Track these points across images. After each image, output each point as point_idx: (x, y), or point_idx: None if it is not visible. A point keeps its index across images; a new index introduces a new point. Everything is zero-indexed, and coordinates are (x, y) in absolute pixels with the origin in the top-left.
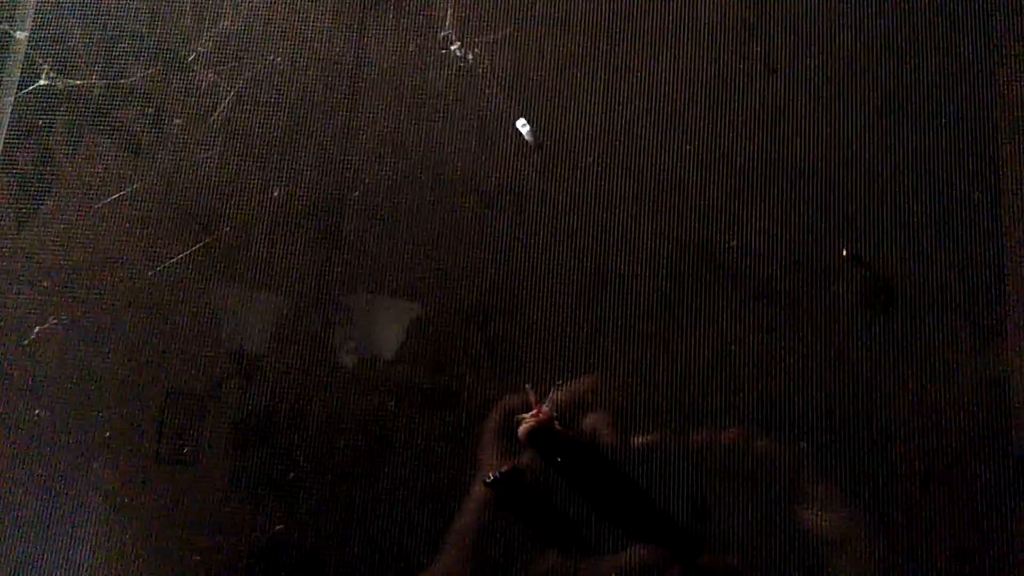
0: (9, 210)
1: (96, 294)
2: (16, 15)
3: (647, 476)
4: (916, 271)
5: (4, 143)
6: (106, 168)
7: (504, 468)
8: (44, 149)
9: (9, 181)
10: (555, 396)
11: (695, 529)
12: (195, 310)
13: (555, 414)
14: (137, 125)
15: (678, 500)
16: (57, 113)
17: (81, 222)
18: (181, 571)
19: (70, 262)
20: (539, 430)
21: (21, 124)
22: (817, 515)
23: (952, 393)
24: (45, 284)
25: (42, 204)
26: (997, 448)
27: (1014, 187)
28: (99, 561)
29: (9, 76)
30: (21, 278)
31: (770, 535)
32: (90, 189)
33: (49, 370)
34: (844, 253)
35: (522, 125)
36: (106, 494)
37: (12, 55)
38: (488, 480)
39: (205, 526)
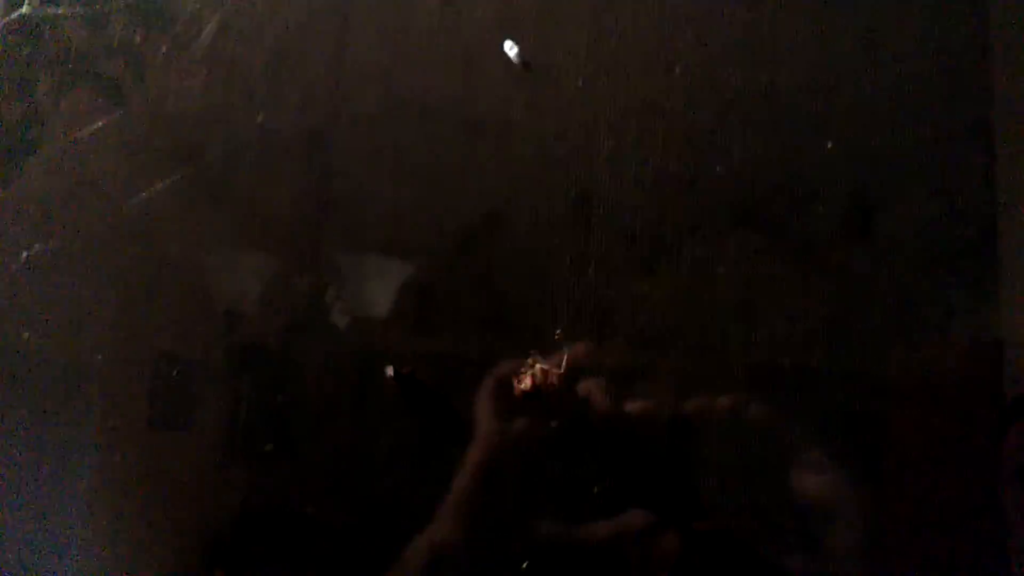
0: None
1: (84, 222)
2: None
3: (641, 441)
4: (904, 213)
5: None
6: (90, 96)
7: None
8: (27, 79)
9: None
10: (564, 358)
11: (689, 493)
12: (184, 269)
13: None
14: (121, 54)
15: (672, 464)
16: (40, 42)
17: (67, 150)
18: (174, 533)
19: (57, 190)
20: (537, 392)
21: (4, 55)
22: (809, 479)
23: (943, 354)
24: (30, 210)
25: (27, 132)
26: (990, 408)
27: (1007, 129)
28: (92, 516)
29: None
30: (7, 205)
31: (764, 500)
32: (75, 117)
33: (36, 296)
34: (829, 145)
35: (509, 47)
36: (98, 459)
37: None
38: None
39: (198, 489)
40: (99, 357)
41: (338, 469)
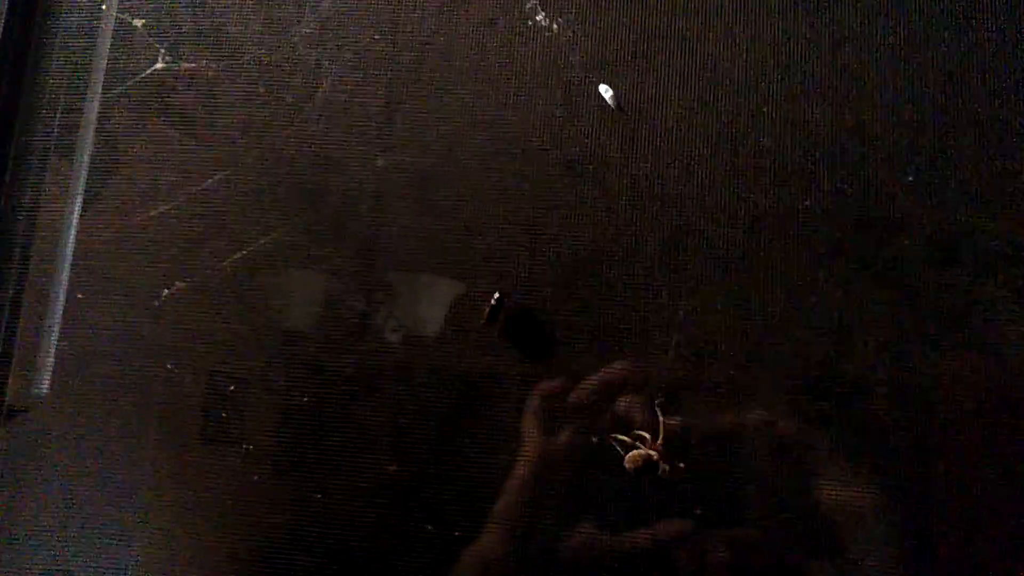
0: (135, 183)
1: (215, 262)
2: (133, 5)
3: (677, 452)
4: (978, 237)
5: (132, 121)
6: (219, 144)
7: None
8: (163, 129)
9: (133, 160)
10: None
11: (722, 505)
12: (242, 291)
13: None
14: (247, 105)
15: (708, 476)
16: (174, 94)
17: (199, 195)
18: (224, 547)
19: (194, 232)
20: (647, 465)
21: (142, 105)
22: (839, 491)
23: (993, 367)
24: (171, 251)
25: (161, 179)
26: None
27: None
28: (149, 536)
29: (124, 60)
30: (149, 247)
31: (794, 510)
32: (205, 164)
33: (177, 330)
34: (911, 179)
35: (604, 90)
36: (153, 471)
37: (131, 42)
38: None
39: (249, 505)
40: (158, 373)
41: (387, 483)
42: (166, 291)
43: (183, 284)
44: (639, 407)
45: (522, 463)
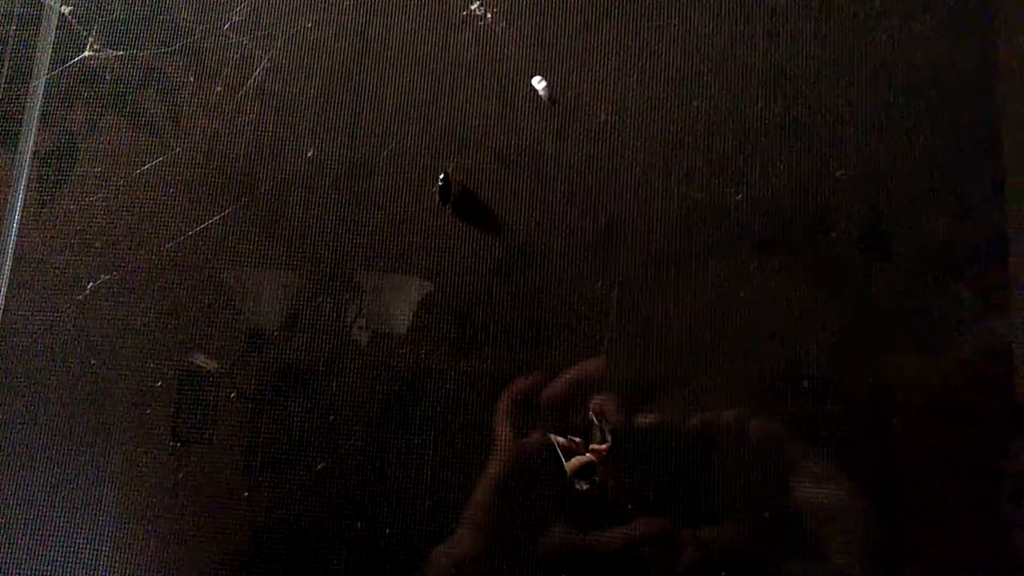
0: (58, 174)
1: (144, 254)
2: None
3: (652, 452)
4: (916, 230)
5: (55, 111)
6: (149, 133)
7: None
8: (91, 116)
9: (59, 146)
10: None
11: (698, 502)
12: (209, 287)
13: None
14: (177, 94)
15: (681, 475)
16: (102, 82)
17: (127, 185)
18: (197, 546)
19: (118, 223)
20: (584, 469)
21: (69, 93)
22: (811, 489)
23: (952, 358)
24: (96, 245)
25: (91, 168)
26: (998, 417)
27: (1016, 143)
28: (118, 534)
29: (56, 49)
30: (74, 240)
31: (769, 509)
32: (135, 154)
33: (101, 324)
34: (839, 174)
35: (538, 82)
36: (123, 469)
37: (58, 29)
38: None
39: (220, 503)
40: (127, 372)
41: (357, 483)
42: (91, 284)
43: (109, 277)
44: (612, 406)
45: (494, 462)
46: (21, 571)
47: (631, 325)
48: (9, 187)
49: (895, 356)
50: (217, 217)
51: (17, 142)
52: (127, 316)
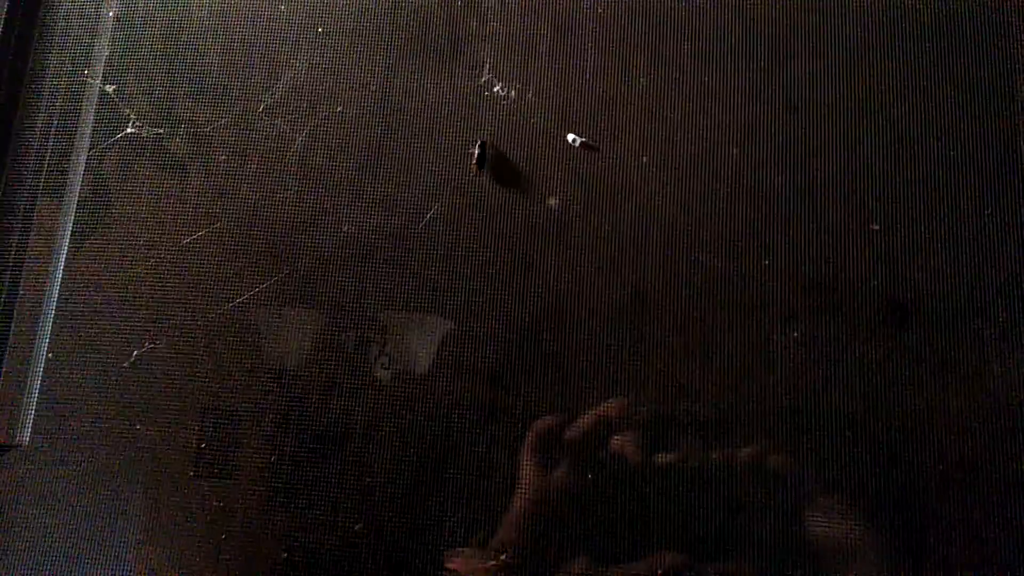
0: (107, 246)
1: (189, 322)
2: (105, 70)
3: (672, 490)
4: (940, 281)
5: (106, 184)
6: (194, 208)
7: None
8: (135, 191)
9: (109, 221)
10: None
11: (718, 537)
12: (237, 328)
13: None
14: (218, 170)
15: (701, 511)
16: (145, 158)
17: (172, 256)
18: None
19: (165, 292)
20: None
21: (117, 169)
22: (832, 526)
23: (973, 402)
24: (140, 312)
25: (138, 240)
26: (1016, 457)
27: None
28: (139, 566)
29: (97, 125)
30: (124, 305)
31: (789, 545)
32: (179, 227)
33: (144, 390)
34: (875, 227)
35: (572, 139)
36: (146, 505)
37: (102, 107)
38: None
39: (242, 539)
40: (149, 411)
41: (381, 516)
42: (136, 352)
43: (155, 345)
44: (631, 443)
45: (519, 497)
46: None
47: (655, 382)
48: (52, 254)
49: (921, 397)
50: (257, 289)
51: (59, 213)
52: (172, 380)
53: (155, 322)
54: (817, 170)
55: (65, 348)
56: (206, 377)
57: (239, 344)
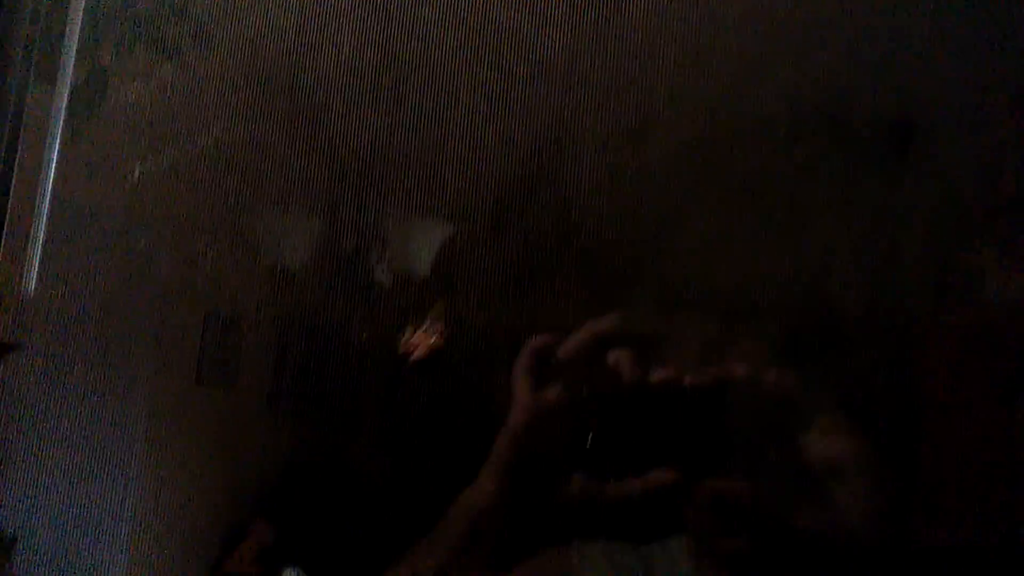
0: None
1: (190, 143)
2: None
3: (669, 406)
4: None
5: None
6: (189, 36)
7: None
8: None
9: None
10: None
11: (713, 455)
12: (231, 231)
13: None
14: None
15: (697, 428)
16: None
17: (176, 80)
18: (220, 483)
19: (167, 112)
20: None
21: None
22: (822, 442)
23: (974, 311)
24: (143, 129)
25: (137, 70)
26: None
27: None
28: (143, 472)
29: None
30: (121, 124)
31: (785, 464)
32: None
33: (150, 207)
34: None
35: None
36: (149, 414)
37: None
38: None
39: (243, 442)
40: (151, 315)
41: (381, 425)
42: (139, 167)
43: (156, 161)
44: (627, 360)
45: (514, 415)
46: (52, 506)
47: (650, 281)
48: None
49: (917, 308)
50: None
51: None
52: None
53: (152, 143)
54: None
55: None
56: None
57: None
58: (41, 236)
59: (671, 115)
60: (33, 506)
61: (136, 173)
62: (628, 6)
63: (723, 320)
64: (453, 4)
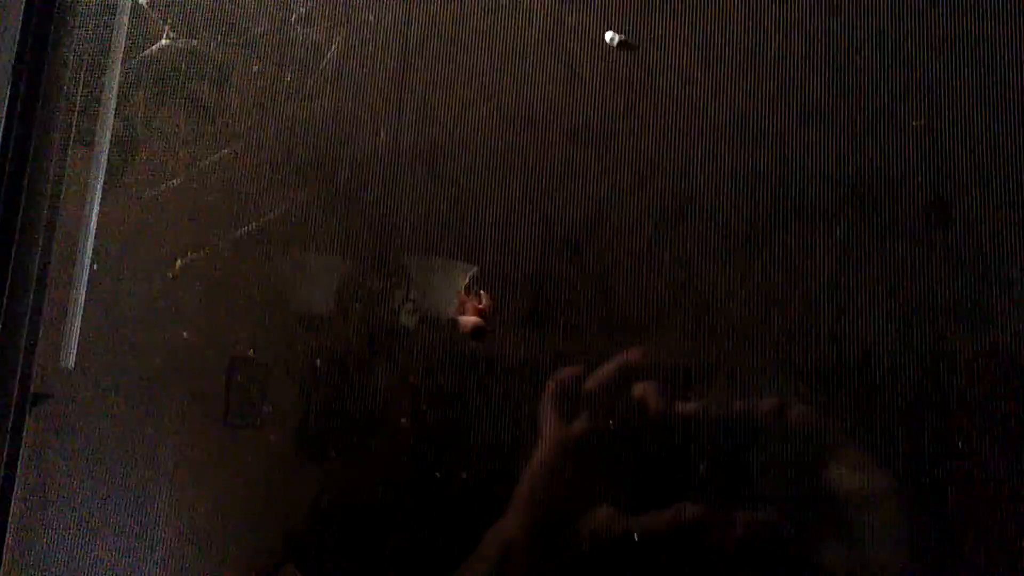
0: (130, 159)
1: (231, 233)
2: None
3: (695, 439)
4: (971, 188)
5: (146, 95)
6: (231, 119)
7: None
8: (168, 103)
9: (149, 135)
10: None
11: (740, 488)
12: (260, 276)
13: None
14: (253, 81)
15: (725, 460)
16: (179, 71)
17: (213, 168)
18: (247, 526)
19: (205, 204)
20: (482, 330)
21: (151, 83)
22: (849, 476)
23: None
24: (183, 222)
25: (178, 152)
26: None
27: None
28: (171, 518)
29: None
30: (165, 214)
31: (812, 496)
32: (217, 139)
33: (191, 299)
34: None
35: (610, 38)
36: (176, 457)
37: (136, 18)
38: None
39: (270, 484)
40: (181, 356)
41: (409, 466)
42: (180, 261)
43: (196, 255)
44: (653, 393)
45: (541, 448)
46: (78, 545)
47: (701, 306)
48: (89, 173)
49: (947, 342)
50: (296, 199)
51: (95, 132)
52: (211, 292)
53: (192, 234)
54: (858, 69)
55: (107, 255)
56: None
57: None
58: (80, 310)
59: (709, 195)
60: (60, 554)
61: (177, 266)
62: (663, 84)
63: (750, 353)
64: (490, 87)
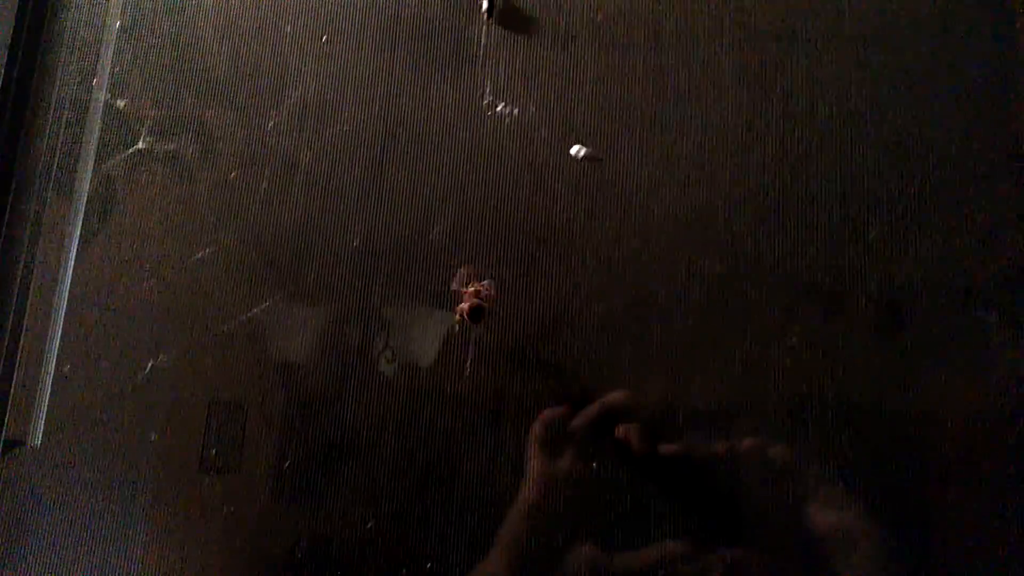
0: (107, 257)
1: (198, 335)
2: (116, 84)
3: (676, 478)
4: (940, 270)
5: (120, 198)
6: (202, 223)
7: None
8: (144, 206)
9: (119, 235)
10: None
11: (721, 527)
12: (243, 325)
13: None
14: (227, 186)
15: (705, 500)
16: (156, 173)
17: (184, 270)
18: (225, 572)
19: (177, 306)
20: (479, 309)
21: (127, 183)
22: (827, 512)
23: (977, 391)
24: (151, 325)
25: (146, 255)
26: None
27: None
28: (148, 562)
29: (107, 141)
30: (133, 319)
31: (791, 536)
32: (189, 242)
33: (161, 401)
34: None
35: (576, 151)
36: (153, 499)
37: (111, 121)
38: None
39: (247, 532)
40: (158, 405)
41: (386, 510)
42: (151, 363)
43: (166, 356)
44: (636, 433)
45: (526, 488)
46: None
47: (658, 367)
48: (59, 270)
49: (921, 383)
50: (266, 304)
51: (66, 224)
52: (183, 395)
53: (164, 335)
54: (812, 175)
55: (77, 354)
56: (212, 376)
57: (245, 345)
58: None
59: (668, 291)
60: None
61: (149, 367)
62: (624, 183)
63: (727, 401)
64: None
